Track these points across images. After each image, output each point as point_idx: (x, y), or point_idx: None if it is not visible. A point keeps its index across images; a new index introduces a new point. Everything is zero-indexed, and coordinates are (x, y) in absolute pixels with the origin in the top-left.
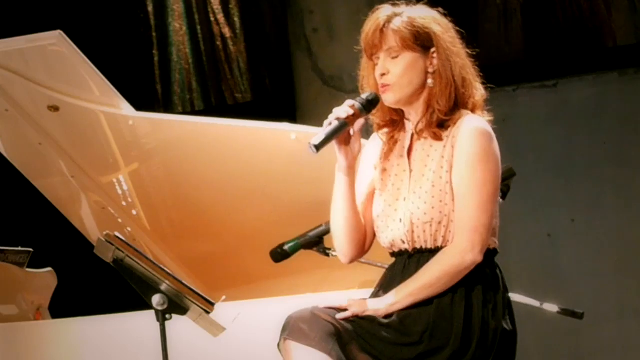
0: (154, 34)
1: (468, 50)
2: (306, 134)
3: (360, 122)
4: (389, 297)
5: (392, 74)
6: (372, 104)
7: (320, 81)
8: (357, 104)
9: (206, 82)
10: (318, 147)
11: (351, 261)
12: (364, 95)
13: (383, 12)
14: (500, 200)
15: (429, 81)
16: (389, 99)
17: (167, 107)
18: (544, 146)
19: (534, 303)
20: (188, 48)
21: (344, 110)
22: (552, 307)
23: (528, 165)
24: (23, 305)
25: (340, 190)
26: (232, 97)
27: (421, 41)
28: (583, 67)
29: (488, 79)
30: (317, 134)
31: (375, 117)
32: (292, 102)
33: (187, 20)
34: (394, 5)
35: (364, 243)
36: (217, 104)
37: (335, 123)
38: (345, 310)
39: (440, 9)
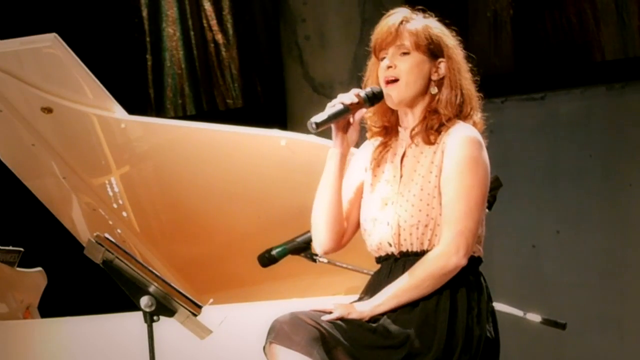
0: (147, 39)
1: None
2: (296, 141)
3: (361, 112)
4: (374, 299)
5: (399, 68)
6: (376, 97)
7: (310, 88)
8: (363, 94)
9: (198, 88)
10: (318, 125)
11: (325, 252)
12: (370, 88)
13: (401, 13)
14: (487, 210)
15: (432, 88)
16: (393, 96)
17: (159, 111)
18: (530, 158)
19: (518, 313)
20: (181, 53)
21: (349, 96)
22: (535, 317)
23: (514, 177)
24: (12, 303)
25: (329, 177)
26: (224, 102)
27: (433, 48)
28: (571, 81)
29: (477, 91)
30: (320, 114)
31: (370, 121)
32: (283, 109)
33: (181, 25)
34: (412, 11)
35: (342, 237)
36: (208, 109)
37: (339, 106)
38: (330, 312)
39: (453, 29)
